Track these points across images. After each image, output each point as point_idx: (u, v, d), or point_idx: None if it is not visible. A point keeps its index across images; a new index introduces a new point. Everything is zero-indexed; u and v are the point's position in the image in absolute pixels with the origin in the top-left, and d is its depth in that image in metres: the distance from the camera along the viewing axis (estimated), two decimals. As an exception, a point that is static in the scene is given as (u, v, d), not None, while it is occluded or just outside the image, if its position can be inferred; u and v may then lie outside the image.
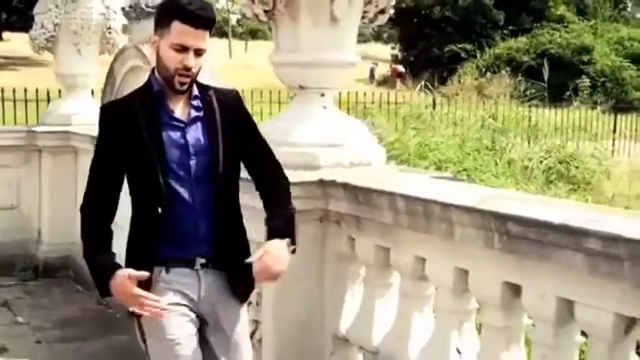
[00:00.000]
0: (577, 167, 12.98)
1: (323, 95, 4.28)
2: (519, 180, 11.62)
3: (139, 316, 3.01)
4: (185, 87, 2.99)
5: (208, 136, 3.04)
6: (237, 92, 3.24)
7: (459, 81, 29.06)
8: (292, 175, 3.33)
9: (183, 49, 2.92)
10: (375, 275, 3.79)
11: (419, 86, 23.76)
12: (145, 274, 2.91)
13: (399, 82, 32.71)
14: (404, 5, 40.66)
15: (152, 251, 3.03)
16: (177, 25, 2.91)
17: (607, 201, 11.67)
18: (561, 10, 43.79)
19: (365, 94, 16.14)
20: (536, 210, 2.86)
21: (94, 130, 3.24)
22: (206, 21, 2.94)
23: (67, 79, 8.22)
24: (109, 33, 8.09)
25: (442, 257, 3.33)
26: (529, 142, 13.88)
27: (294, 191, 3.23)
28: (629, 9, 54.55)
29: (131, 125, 2.99)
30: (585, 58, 35.99)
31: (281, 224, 3.06)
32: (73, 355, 5.62)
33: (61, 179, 7.86)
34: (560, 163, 12.86)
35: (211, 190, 3.03)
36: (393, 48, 43.61)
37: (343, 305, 3.94)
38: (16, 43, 33.99)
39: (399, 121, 13.71)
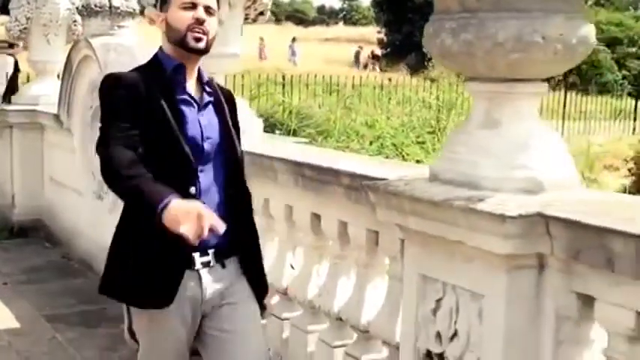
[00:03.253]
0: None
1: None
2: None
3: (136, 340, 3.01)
4: (201, 44, 2.90)
5: (220, 122, 2.98)
6: (232, 94, 3.25)
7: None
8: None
9: (192, 5, 2.87)
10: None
11: (405, 69, 24.93)
12: (221, 223, 2.70)
13: (372, 65, 33.70)
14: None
15: (175, 246, 2.74)
16: None
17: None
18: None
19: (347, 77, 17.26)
20: (323, 159, 4.12)
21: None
22: None
23: (37, 65, 9.46)
24: (75, 26, 9.27)
25: (277, 198, 4.60)
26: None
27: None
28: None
29: (149, 95, 2.83)
30: (562, 41, 36.94)
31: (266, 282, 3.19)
32: (34, 293, 6.78)
33: (29, 152, 9.09)
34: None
35: (221, 176, 2.96)
36: (379, 32, 44.61)
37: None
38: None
39: (364, 102, 14.96)
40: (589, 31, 2.97)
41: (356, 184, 3.76)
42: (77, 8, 7.99)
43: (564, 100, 22.62)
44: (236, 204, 3.00)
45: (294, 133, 11.34)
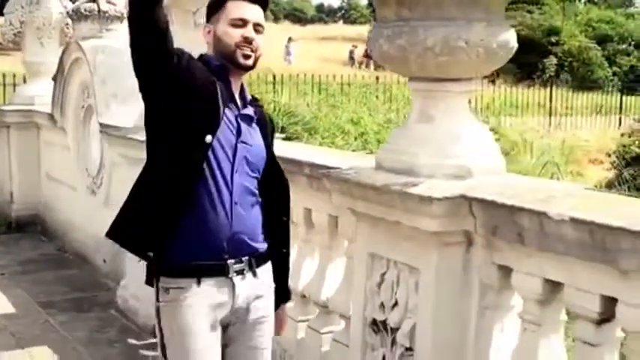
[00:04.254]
0: (498, 139, 14.54)
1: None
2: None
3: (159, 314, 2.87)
4: (250, 61, 2.87)
5: (264, 140, 2.99)
6: (272, 118, 3.25)
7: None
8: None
9: (242, 23, 2.85)
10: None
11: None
12: None
13: (366, 63, 33.98)
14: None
15: (163, 240, 2.81)
16: (232, 3, 2.88)
17: (519, 168, 13.31)
18: (537, -9, 44.99)
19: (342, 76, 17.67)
20: (288, 152, 4.51)
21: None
22: None
23: (31, 67, 9.85)
24: (67, 29, 9.64)
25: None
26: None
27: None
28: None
29: (202, 72, 2.84)
30: (554, 39, 37.31)
31: (288, 287, 3.21)
32: (29, 282, 7.15)
33: (26, 150, 9.48)
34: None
35: (258, 186, 2.95)
36: (370, 32, 44.27)
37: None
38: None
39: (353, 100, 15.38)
40: (509, 36, 3.38)
41: (316, 174, 4.16)
42: (67, 12, 8.39)
43: (550, 97, 23.02)
44: (272, 214, 3.00)
45: (283, 130, 11.73)
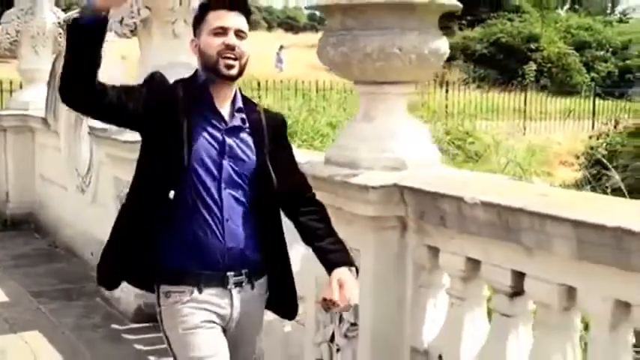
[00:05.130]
0: (472, 143, 14.92)
1: (172, 85, 6.22)
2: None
3: (167, 336, 2.87)
4: (233, 71, 2.80)
5: (256, 149, 2.87)
6: (283, 117, 3.15)
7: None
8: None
9: (223, 31, 2.78)
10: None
11: None
12: None
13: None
14: None
15: (158, 251, 2.81)
16: (212, 14, 2.82)
17: (490, 168, 13.63)
18: (519, 0, 45.32)
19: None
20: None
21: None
22: (239, 2, 2.87)
23: (27, 74, 10.13)
24: (60, 37, 9.91)
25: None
26: (437, 122, 15.86)
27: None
28: None
29: (170, 102, 2.78)
30: (533, 45, 37.58)
31: (345, 253, 2.96)
32: (22, 275, 7.40)
33: (21, 152, 9.76)
34: (457, 139, 14.83)
35: (251, 200, 2.85)
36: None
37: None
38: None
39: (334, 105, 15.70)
40: (440, 44, 3.69)
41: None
42: (59, 23, 8.68)
43: (525, 101, 23.38)
44: (266, 226, 2.90)
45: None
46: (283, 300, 3.05)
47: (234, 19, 2.83)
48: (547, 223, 2.82)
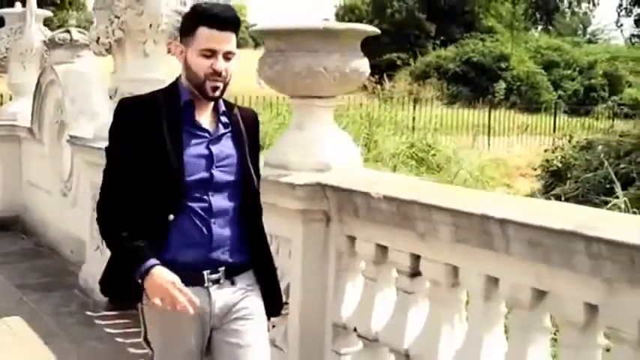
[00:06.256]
0: (434, 155, 15.44)
1: (143, 98, 6.69)
2: (387, 163, 14.17)
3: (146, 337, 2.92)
4: (218, 93, 2.78)
5: (238, 151, 2.88)
6: (256, 113, 3.10)
7: (393, 86, 31.38)
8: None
9: (211, 53, 2.72)
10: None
11: (372, 90, 26.12)
12: (195, 301, 2.68)
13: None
14: (346, 19, 42.92)
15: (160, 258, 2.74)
16: (203, 31, 2.72)
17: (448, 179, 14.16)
18: (491, 21, 45.94)
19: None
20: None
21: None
22: (232, 23, 2.77)
23: (15, 87, 10.55)
24: (46, 54, 10.36)
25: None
26: (400, 136, 16.39)
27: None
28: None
29: (152, 123, 2.74)
30: (504, 64, 38.21)
31: (280, 298, 3.15)
32: (7, 270, 7.73)
33: (9, 159, 10.12)
34: (420, 151, 15.35)
35: (236, 202, 2.86)
36: (340, 56, 45.23)
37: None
38: None
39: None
40: (360, 64, 4.19)
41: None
42: (44, 41, 9.15)
43: (489, 117, 23.97)
44: (250, 226, 2.93)
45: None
46: (268, 297, 3.03)
47: (224, 40, 2.75)
48: (433, 212, 3.32)
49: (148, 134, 2.74)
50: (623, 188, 12.16)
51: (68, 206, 8.28)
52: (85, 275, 6.84)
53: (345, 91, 4.38)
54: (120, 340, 5.64)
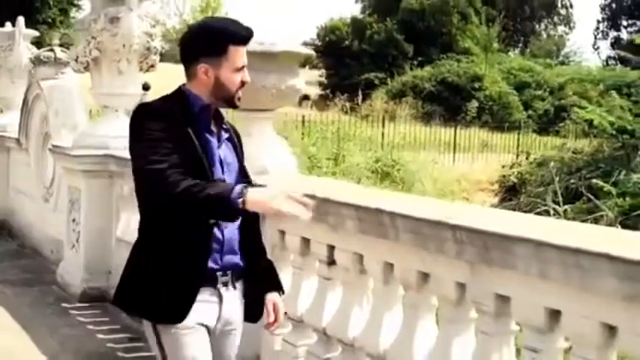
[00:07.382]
0: (399, 170, 15.99)
1: (117, 111, 7.19)
2: (352, 176, 14.72)
3: (158, 334, 2.83)
4: (240, 102, 2.93)
5: (236, 155, 2.96)
6: (236, 129, 3.11)
7: (370, 105, 31.90)
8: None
9: (242, 68, 2.86)
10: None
11: (341, 107, 26.69)
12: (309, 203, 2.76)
13: (306, 104, 35.31)
14: (327, 39, 43.56)
15: (201, 265, 2.81)
16: (233, 49, 2.81)
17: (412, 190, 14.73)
18: (468, 43, 46.45)
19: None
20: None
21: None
22: (251, 37, 2.90)
23: (4, 101, 11.03)
24: (33, 71, 10.88)
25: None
26: (367, 152, 16.96)
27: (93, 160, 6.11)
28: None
29: (175, 127, 2.73)
30: (477, 84, 38.71)
31: (278, 279, 3.16)
32: None
33: (-2, 167, 10.68)
34: (385, 166, 15.92)
35: None
36: (320, 76, 45.79)
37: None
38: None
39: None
40: (296, 82, 4.72)
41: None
42: (30, 59, 9.65)
43: (454, 135, 24.57)
44: (249, 231, 2.97)
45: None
46: (252, 303, 3.05)
47: (245, 56, 2.89)
48: (341, 207, 3.85)
49: (175, 137, 2.72)
50: (572, 202, 12.77)
51: (50, 211, 8.74)
52: (62, 271, 7.32)
53: (283, 105, 4.91)
54: (90, 327, 6.13)
